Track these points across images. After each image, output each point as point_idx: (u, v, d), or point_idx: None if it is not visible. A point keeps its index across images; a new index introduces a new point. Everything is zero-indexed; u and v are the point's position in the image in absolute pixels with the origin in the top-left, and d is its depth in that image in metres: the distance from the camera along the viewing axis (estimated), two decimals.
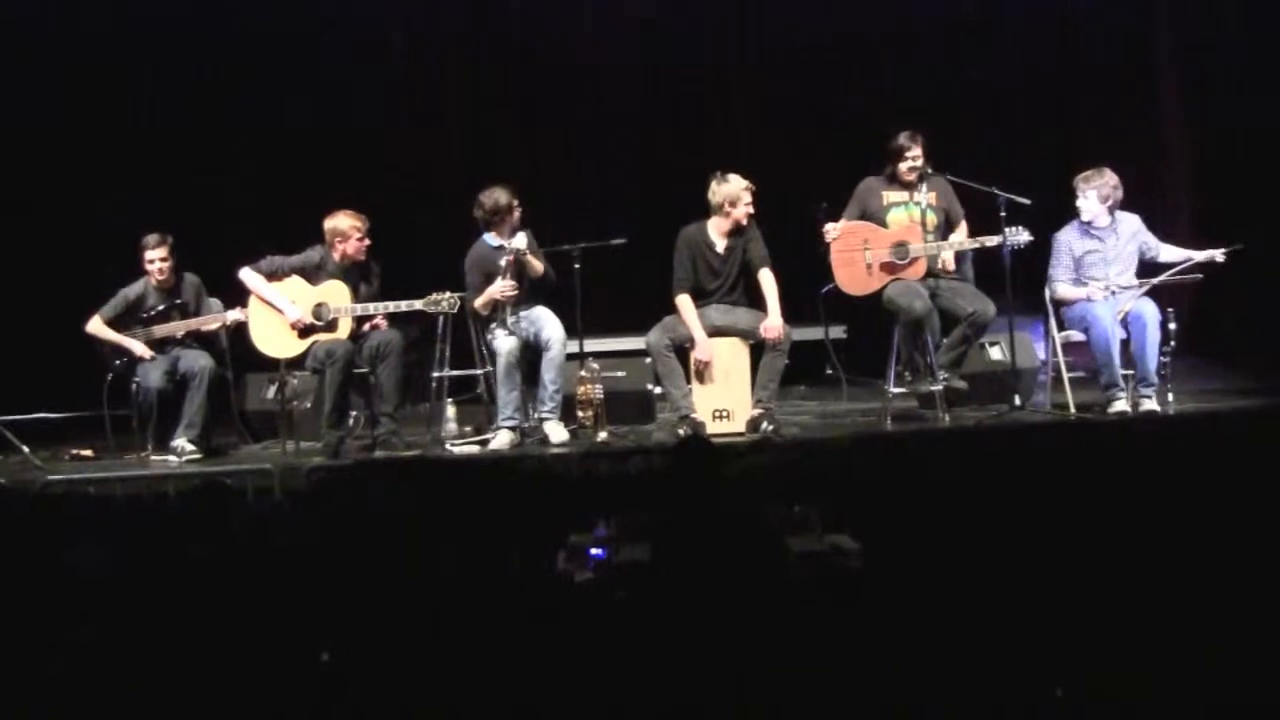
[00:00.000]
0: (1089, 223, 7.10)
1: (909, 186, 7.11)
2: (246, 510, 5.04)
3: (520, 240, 7.08)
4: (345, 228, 7.15)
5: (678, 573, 3.17)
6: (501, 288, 7.03)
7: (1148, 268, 7.14)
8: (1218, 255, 6.93)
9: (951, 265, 7.06)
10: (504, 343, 7.06)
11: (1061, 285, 7.11)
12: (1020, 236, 6.83)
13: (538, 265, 7.16)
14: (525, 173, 7.59)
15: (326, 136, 9.27)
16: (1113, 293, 6.98)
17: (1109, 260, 7.07)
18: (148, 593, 2.97)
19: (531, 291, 7.21)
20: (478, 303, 7.09)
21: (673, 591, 3.04)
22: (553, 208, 7.72)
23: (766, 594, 2.99)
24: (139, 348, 7.33)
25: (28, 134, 8.98)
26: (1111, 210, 7.10)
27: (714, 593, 2.96)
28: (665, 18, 9.70)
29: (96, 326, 7.38)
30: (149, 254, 7.41)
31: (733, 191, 7.01)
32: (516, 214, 7.16)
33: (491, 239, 7.18)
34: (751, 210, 7.03)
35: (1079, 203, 7.10)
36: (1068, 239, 7.15)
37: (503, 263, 7.06)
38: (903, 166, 7.08)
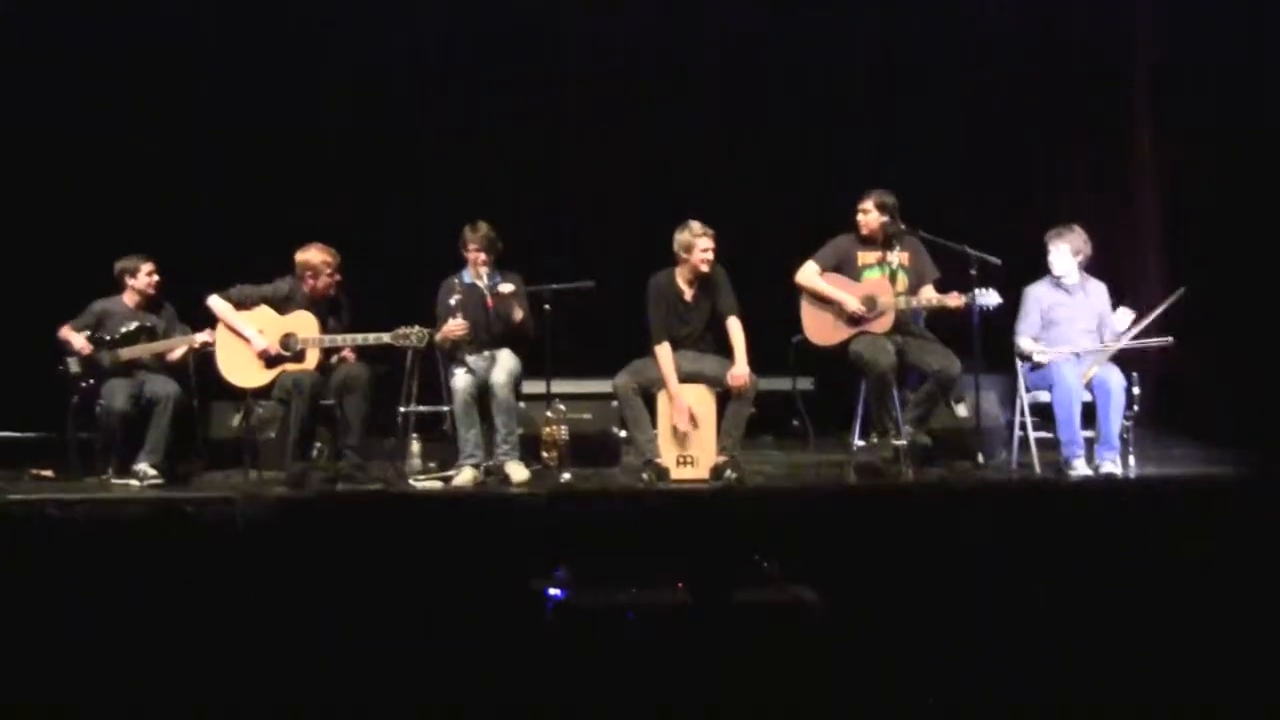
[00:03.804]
0: (1060, 278, 7.20)
1: (881, 246, 7.13)
2: (205, 537, 5.01)
3: (503, 284, 7.19)
4: (317, 263, 7.16)
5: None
6: (450, 326, 7.07)
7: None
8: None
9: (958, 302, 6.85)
10: (460, 380, 7.09)
11: (1025, 339, 7.20)
12: (989, 299, 6.82)
13: (516, 313, 7.20)
14: (500, 214, 7.58)
15: (297, 167, 9.19)
16: (1078, 356, 7.06)
17: (1075, 316, 7.17)
18: (108, 612, 2.96)
19: (501, 335, 7.24)
20: (436, 338, 7.12)
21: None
22: (523, 249, 7.71)
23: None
24: (79, 341, 7.40)
25: None
26: (1081, 267, 7.21)
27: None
28: (643, 65, 9.73)
29: (66, 333, 7.47)
30: (145, 266, 7.59)
31: (687, 239, 7.07)
32: (473, 251, 7.21)
33: (466, 275, 7.25)
34: (709, 257, 7.07)
35: (1050, 258, 7.23)
36: (1038, 293, 7.26)
37: (452, 301, 7.11)
38: (859, 218, 7.14)
